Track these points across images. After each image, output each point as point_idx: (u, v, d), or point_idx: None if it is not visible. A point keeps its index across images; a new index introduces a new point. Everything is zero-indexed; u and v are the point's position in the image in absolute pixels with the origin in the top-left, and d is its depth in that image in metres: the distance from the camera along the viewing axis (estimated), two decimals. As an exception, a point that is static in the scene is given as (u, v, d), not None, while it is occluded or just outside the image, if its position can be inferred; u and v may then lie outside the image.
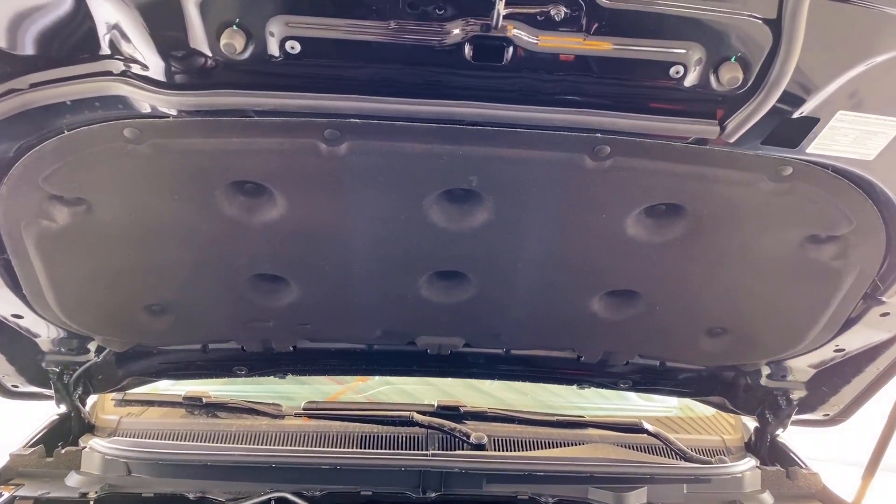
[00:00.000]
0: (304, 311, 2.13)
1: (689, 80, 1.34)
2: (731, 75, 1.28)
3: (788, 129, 1.44)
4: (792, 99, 1.37)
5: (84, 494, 2.16)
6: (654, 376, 2.57)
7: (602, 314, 2.11)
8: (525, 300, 2.08)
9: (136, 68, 1.36)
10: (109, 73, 1.37)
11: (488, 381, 3.33)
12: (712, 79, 1.32)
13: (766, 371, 2.39)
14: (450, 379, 3.27)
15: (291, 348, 2.37)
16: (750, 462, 2.47)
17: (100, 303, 2.05)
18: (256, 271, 1.94)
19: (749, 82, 1.33)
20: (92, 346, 2.29)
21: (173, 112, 1.45)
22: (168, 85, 1.38)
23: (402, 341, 2.38)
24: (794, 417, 2.55)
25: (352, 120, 1.46)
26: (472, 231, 1.78)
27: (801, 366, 2.34)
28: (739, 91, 1.35)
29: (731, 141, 1.45)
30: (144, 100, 1.40)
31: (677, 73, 1.31)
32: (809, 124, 1.43)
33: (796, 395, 2.48)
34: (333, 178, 1.63)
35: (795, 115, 1.40)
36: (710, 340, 2.22)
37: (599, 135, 1.49)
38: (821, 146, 1.48)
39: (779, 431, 2.63)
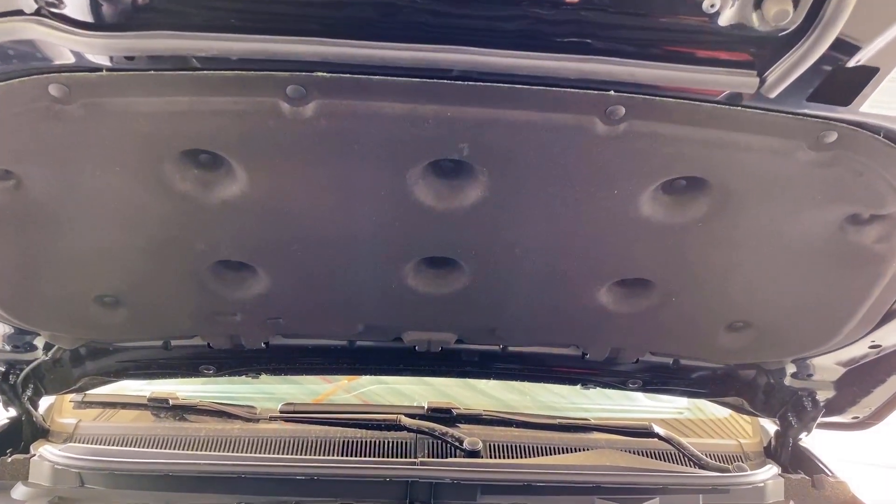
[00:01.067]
0: (274, 304, 1.89)
1: (726, 18, 1.10)
2: (778, 8, 1.04)
3: (840, 81, 1.21)
4: (848, 43, 1.13)
5: (29, 509, 1.93)
6: (667, 375, 2.33)
7: (611, 306, 1.87)
8: (524, 291, 1.85)
9: (52, 4, 1.12)
10: (20, 13, 1.13)
11: (484, 381, 3.11)
12: (754, 16, 1.08)
13: (790, 369, 2.16)
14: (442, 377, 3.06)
15: (263, 345, 2.12)
16: (772, 470, 2.25)
17: (42, 294, 1.81)
18: (218, 258, 1.70)
19: (798, 21, 1.09)
20: (39, 343, 2.05)
21: (103, 61, 1.21)
22: (92, 25, 1.14)
23: (387, 337, 2.14)
24: (819, 420, 2.32)
25: (318, 74, 1.23)
26: (463, 211, 1.54)
27: (830, 364, 2.11)
28: (785, 32, 1.11)
29: (772, 96, 1.22)
30: (65, 44, 1.16)
31: (712, 6, 1.07)
32: (866, 76, 1.19)
33: (823, 395, 2.26)
34: (300, 145, 1.39)
35: (850, 64, 1.17)
36: (731, 335, 1.99)
37: (613, 92, 1.26)
38: (876, 104, 1.24)
39: (802, 435, 2.41)
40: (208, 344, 2.11)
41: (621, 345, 2.11)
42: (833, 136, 1.34)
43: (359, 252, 1.69)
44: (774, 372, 2.21)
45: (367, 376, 3.04)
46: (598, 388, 2.46)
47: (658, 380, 2.36)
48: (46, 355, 2.07)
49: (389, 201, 1.53)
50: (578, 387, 2.48)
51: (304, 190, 1.50)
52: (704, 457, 2.35)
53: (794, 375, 2.18)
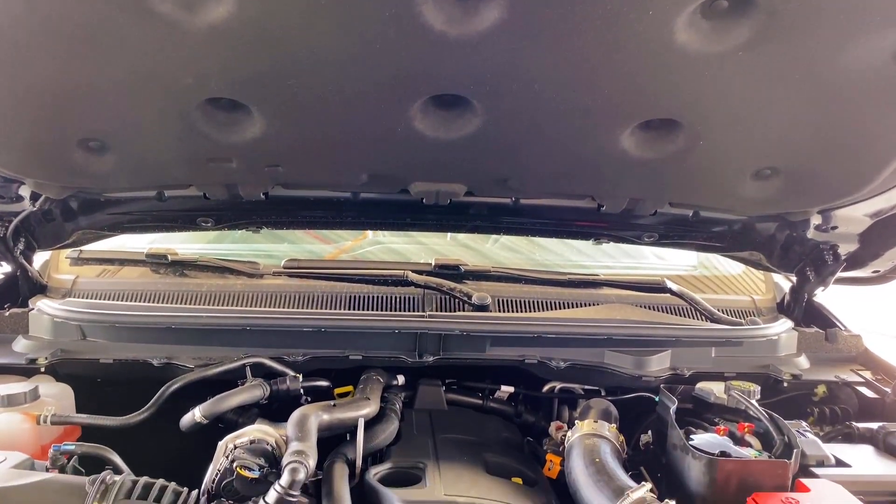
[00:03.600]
0: (272, 149, 1.75)
1: None
2: None
3: None
4: None
5: (33, 360, 1.90)
6: (684, 229, 2.24)
7: (633, 151, 1.74)
8: (541, 134, 1.71)
9: None
10: None
11: (490, 242, 3.03)
12: None
13: (815, 221, 2.07)
14: (447, 239, 2.98)
15: (262, 196, 2.01)
16: (786, 323, 2.22)
17: (21, 136, 1.67)
18: (208, 95, 1.55)
19: None
20: (25, 193, 1.94)
21: None
22: None
23: (393, 188, 2.02)
24: (838, 275, 2.25)
25: None
26: (478, 36, 1.37)
27: (858, 215, 2.01)
28: None
29: None
30: None
31: None
32: None
33: (845, 249, 2.18)
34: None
35: None
36: (757, 184, 1.88)
37: None
38: None
39: (818, 290, 2.35)
40: (204, 194, 2.00)
41: (640, 195, 1.99)
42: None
43: (361, 88, 1.53)
44: (797, 224, 2.11)
45: (367, 237, 2.98)
46: (611, 242, 2.38)
47: (675, 233, 2.28)
48: (34, 206, 1.96)
49: (395, 25, 1.35)
50: (590, 242, 2.40)
51: (300, 10, 1.33)
52: (717, 311, 2.31)
53: (817, 228, 2.09)
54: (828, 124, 1.63)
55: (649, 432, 1.89)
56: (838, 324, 2.37)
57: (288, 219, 2.25)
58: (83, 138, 1.69)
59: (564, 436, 1.81)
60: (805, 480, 1.51)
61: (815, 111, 1.59)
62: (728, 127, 1.67)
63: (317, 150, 1.78)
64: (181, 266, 2.34)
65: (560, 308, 2.36)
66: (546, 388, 2.08)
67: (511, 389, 2.12)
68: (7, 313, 2.08)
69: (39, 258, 2.35)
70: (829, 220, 2.05)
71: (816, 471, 1.57)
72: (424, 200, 2.05)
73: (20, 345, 1.97)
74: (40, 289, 2.28)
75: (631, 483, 1.46)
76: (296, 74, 1.49)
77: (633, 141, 1.71)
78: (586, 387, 2.06)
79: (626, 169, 1.83)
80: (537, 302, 2.37)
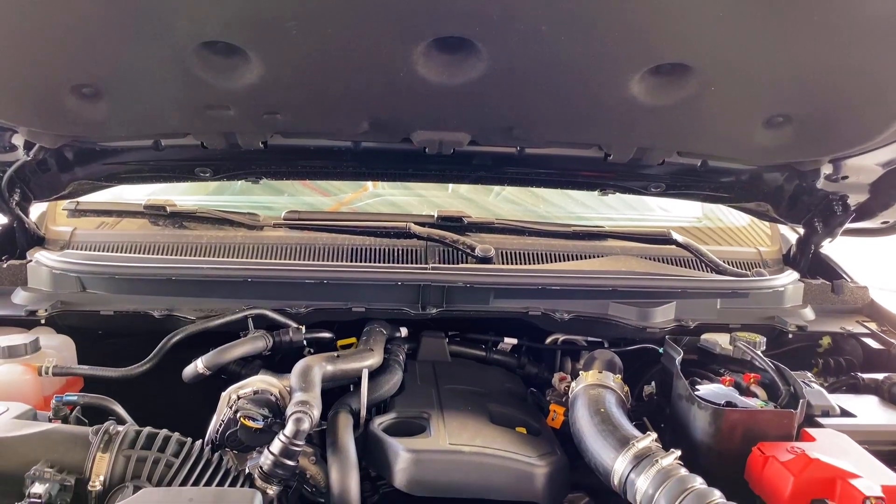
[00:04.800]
0: (270, 95, 1.70)
1: None
2: None
3: None
4: None
5: (32, 312, 1.88)
6: (692, 179, 2.20)
7: (642, 98, 1.68)
8: (548, 80, 1.65)
9: None
10: None
11: (492, 196, 2.99)
12: None
13: (826, 171, 2.02)
14: (448, 192, 2.94)
15: (261, 145, 1.96)
16: (792, 275, 2.19)
17: (12, 82, 1.62)
18: (203, 38, 1.49)
19: None
20: (19, 142, 1.89)
21: None
22: None
23: (394, 137, 1.97)
24: (846, 226, 2.22)
25: None
26: (483, -27, 1.32)
27: (870, 164, 1.97)
28: None
29: None
30: None
31: None
32: None
33: (855, 199, 2.14)
34: None
35: None
36: (769, 132, 1.83)
37: None
38: None
39: (825, 242, 2.33)
40: (202, 144, 1.95)
41: (649, 144, 1.94)
42: None
43: (362, 30, 1.47)
44: (807, 174, 2.07)
45: (367, 190, 2.93)
46: (616, 193, 2.34)
47: (682, 184, 2.24)
48: (28, 155, 1.91)
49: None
50: (596, 193, 2.36)
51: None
52: (723, 263, 2.28)
53: (827, 178, 2.04)
54: (843, 70, 1.57)
55: (652, 384, 1.89)
56: (845, 276, 2.35)
57: (287, 169, 2.21)
58: (76, 84, 1.64)
59: (568, 387, 1.81)
60: (810, 430, 1.51)
61: (831, 57, 1.53)
62: (741, 72, 1.61)
63: (316, 96, 1.72)
64: (180, 218, 2.31)
65: (564, 261, 2.33)
66: (549, 340, 2.07)
67: (514, 341, 2.11)
68: (5, 265, 2.05)
69: (36, 210, 2.31)
70: (840, 169, 2.01)
71: (822, 420, 1.57)
72: (427, 150, 2.00)
73: (19, 297, 1.95)
74: (38, 241, 2.25)
75: (636, 433, 1.46)
76: (294, 16, 1.43)
77: (642, 87, 1.66)
78: (590, 338, 2.06)
79: (634, 116, 1.78)
80: (541, 254, 2.35)
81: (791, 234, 2.56)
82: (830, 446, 1.43)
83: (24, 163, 1.94)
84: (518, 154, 2.09)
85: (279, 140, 1.97)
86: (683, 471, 1.30)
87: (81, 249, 2.22)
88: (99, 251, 2.22)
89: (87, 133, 1.87)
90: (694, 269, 2.33)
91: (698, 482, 1.26)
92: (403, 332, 2.01)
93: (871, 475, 1.31)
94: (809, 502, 1.32)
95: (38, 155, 1.94)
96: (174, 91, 1.67)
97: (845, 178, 2.04)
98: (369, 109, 1.81)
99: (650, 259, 2.33)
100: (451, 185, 2.96)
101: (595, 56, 1.55)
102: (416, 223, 2.29)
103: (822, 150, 1.90)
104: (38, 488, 1.20)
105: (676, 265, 2.34)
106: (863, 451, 1.43)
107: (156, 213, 2.28)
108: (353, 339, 1.92)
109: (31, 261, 2.02)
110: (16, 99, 1.69)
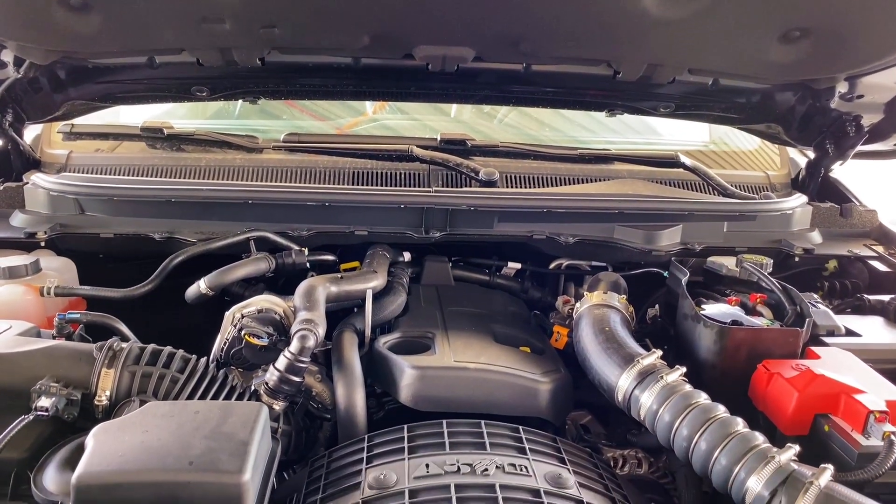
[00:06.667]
0: (267, 7, 1.63)
1: None
2: None
3: None
4: None
5: (31, 234, 1.86)
6: (702, 98, 2.13)
7: (654, 10, 1.62)
8: (556, -10, 1.59)
9: None
10: None
11: (494, 121, 2.92)
12: None
13: (841, 89, 1.96)
14: (450, 117, 2.87)
15: (259, 62, 1.89)
16: (800, 198, 2.16)
17: (-4, -7, 1.55)
18: (196, -58, 1.42)
19: None
20: (8, 58, 1.83)
21: None
22: None
23: (396, 53, 1.90)
24: (858, 149, 2.17)
25: None
26: None
27: (887, 82, 1.90)
28: None
29: None
30: None
31: None
32: None
33: (869, 119, 2.09)
34: None
35: None
36: (784, 47, 1.76)
37: None
38: None
39: (836, 165, 2.28)
40: (198, 60, 1.88)
41: (659, 60, 1.88)
42: None
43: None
44: (822, 92, 2.00)
45: (367, 119, 2.86)
46: (625, 114, 2.28)
47: (691, 104, 2.17)
48: (19, 73, 1.85)
49: None
50: (604, 114, 2.30)
51: None
52: (731, 186, 2.25)
53: (842, 97, 1.98)
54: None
55: (656, 306, 1.88)
56: (854, 199, 2.31)
57: (286, 87, 2.14)
58: (64, -5, 1.57)
59: (572, 309, 1.80)
60: (815, 349, 1.50)
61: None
62: (758, -19, 1.55)
63: (314, 7, 1.65)
64: (177, 140, 2.25)
65: (570, 184, 2.29)
66: (553, 264, 2.05)
67: (518, 266, 2.10)
68: (1, 188, 2.02)
69: (30, 134, 2.26)
70: (856, 87, 1.95)
71: (827, 340, 1.57)
72: (430, 67, 1.93)
73: (17, 219, 1.92)
74: (34, 164, 2.20)
75: (641, 350, 1.46)
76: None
77: (654, -2, 1.59)
78: (594, 263, 2.04)
79: (645, 30, 1.71)
80: (546, 178, 2.31)
81: (800, 158, 2.51)
82: (835, 364, 1.43)
83: (15, 80, 1.88)
84: (524, 71, 2.01)
85: (277, 56, 1.90)
86: (688, 387, 1.30)
87: (78, 173, 2.17)
88: (97, 174, 2.17)
89: (77, 47, 1.80)
90: (702, 192, 2.30)
91: (703, 398, 1.26)
92: (406, 256, 1.99)
93: (875, 391, 1.31)
94: (813, 418, 1.33)
95: (29, 72, 1.87)
96: (167, 2, 1.60)
97: (860, 97, 1.97)
98: (370, 21, 1.74)
99: (657, 182, 2.29)
100: (453, 110, 2.89)
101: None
102: (418, 146, 2.24)
103: (840, 66, 1.84)
104: (44, 402, 1.20)
105: (683, 189, 2.30)
106: (867, 369, 1.43)
107: (153, 136, 2.23)
108: (356, 263, 1.91)
109: (27, 183, 1.98)
110: (2, 12, 1.62)
